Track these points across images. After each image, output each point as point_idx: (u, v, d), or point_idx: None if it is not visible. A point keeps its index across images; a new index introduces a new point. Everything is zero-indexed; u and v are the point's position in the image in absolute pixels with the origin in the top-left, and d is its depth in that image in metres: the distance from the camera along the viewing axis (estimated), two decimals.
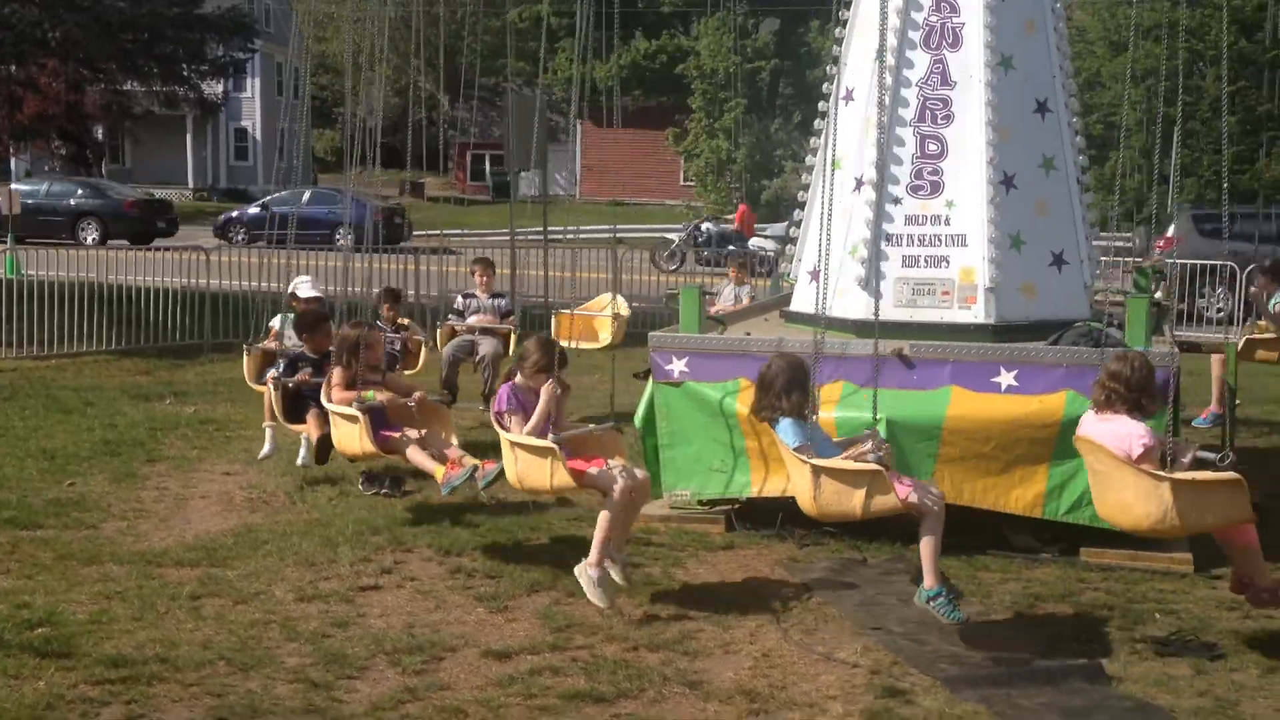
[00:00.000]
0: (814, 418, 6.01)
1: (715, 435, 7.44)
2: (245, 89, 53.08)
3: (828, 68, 8.48)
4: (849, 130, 8.12)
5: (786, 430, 5.85)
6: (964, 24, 7.74)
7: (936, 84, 7.80)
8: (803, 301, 8.38)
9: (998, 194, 7.60)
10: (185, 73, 33.67)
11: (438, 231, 23.77)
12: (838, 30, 8.49)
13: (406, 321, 10.50)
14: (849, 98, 8.19)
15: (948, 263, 7.71)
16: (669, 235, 29.83)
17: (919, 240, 7.77)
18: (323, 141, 62.40)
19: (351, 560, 6.69)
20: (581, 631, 5.70)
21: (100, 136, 40.35)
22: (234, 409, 11.14)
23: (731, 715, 4.83)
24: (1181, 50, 34.01)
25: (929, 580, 5.61)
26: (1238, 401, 9.33)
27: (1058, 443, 6.85)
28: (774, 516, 7.29)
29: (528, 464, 6.08)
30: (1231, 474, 5.15)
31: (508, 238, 19.20)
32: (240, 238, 31.26)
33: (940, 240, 7.72)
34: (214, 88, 39.51)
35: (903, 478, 5.77)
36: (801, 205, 8.69)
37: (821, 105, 8.47)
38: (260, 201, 36.19)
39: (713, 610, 5.98)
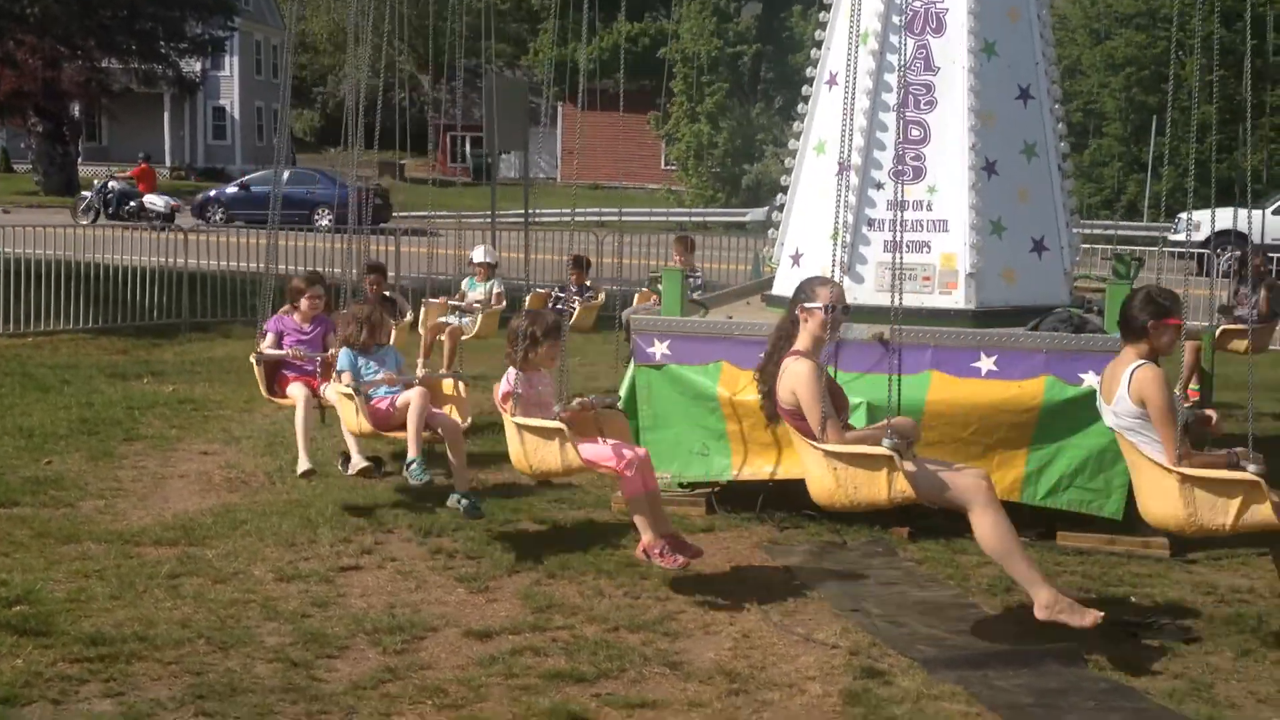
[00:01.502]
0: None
1: (696, 418, 7.46)
2: (224, 67, 52.77)
3: (810, 52, 8.48)
4: (831, 115, 8.13)
5: None
6: (947, 9, 7.75)
7: (919, 69, 7.80)
8: (785, 285, 8.39)
9: (979, 180, 7.63)
10: (164, 50, 33.43)
11: (420, 214, 23.70)
12: (821, 14, 8.49)
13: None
14: (832, 82, 8.19)
15: (929, 248, 7.73)
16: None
17: (901, 225, 7.75)
18: (302, 121, 62.03)
19: (331, 541, 6.69)
20: (562, 612, 5.71)
21: (77, 114, 40.02)
22: (212, 389, 11.11)
23: (711, 695, 4.85)
24: (1162, 39, 34.15)
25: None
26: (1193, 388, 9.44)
27: (1037, 428, 6.89)
28: (754, 499, 7.31)
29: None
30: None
31: (488, 219, 19.16)
32: (218, 217, 31.11)
33: (922, 225, 7.74)
34: (193, 66, 39.21)
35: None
36: (784, 189, 8.69)
37: (804, 89, 8.47)
38: (239, 181, 36.02)
39: (693, 592, 6.00)
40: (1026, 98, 7.92)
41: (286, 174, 33.46)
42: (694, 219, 33.28)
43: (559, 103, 50.38)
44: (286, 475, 8.09)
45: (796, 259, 8.24)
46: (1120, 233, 26.18)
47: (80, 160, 42.10)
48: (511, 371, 6.27)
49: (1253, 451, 5.17)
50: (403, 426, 7.03)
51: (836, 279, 7.74)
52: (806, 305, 5.74)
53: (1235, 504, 5.07)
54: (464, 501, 6.78)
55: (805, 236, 8.21)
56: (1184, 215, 27.03)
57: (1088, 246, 13.92)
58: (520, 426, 6.04)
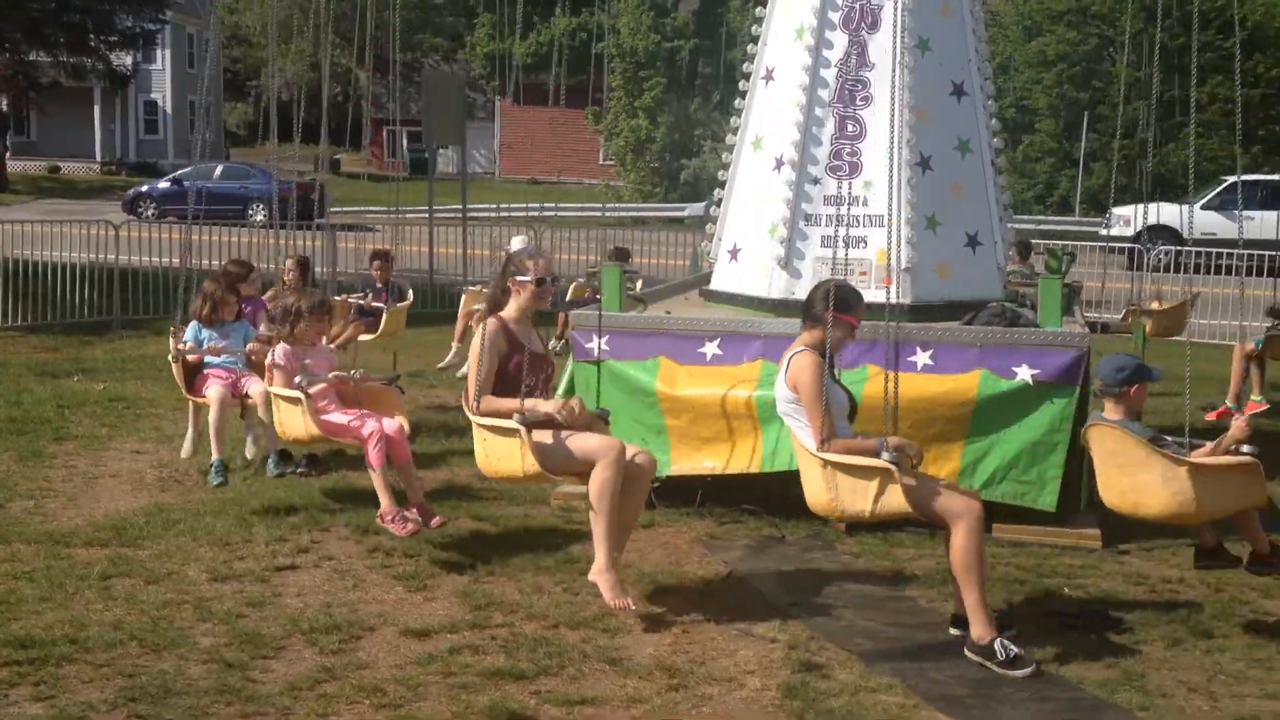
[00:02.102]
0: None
1: (636, 414, 7.45)
2: (155, 61, 51.90)
3: (748, 47, 8.50)
4: (769, 110, 8.17)
5: None
6: (882, 6, 7.80)
7: (856, 65, 7.85)
8: (723, 280, 8.42)
9: (914, 175, 7.69)
10: (93, 43, 32.81)
11: (355, 209, 23.51)
12: (758, 10, 8.51)
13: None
14: (769, 77, 8.22)
15: (865, 243, 7.79)
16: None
17: (837, 220, 7.83)
18: (235, 115, 61.29)
19: (267, 540, 6.61)
20: (501, 609, 5.68)
21: (5, 108, 39.20)
22: (144, 387, 10.94)
23: (651, 691, 4.85)
24: (1093, 36, 34.67)
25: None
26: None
27: (972, 421, 6.96)
28: (693, 494, 7.33)
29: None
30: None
31: (425, 215, 19.04)
32: (150, 213, 30.65)
33: (858, 221, 7.80)
34: (123, 59, 38.57)
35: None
36: (721, 184, 8.71)
37: (741, 85, 8.49)
38: (171, 176, 35.49)
39: (633, 588, 5.99)
40: (960, 94, 7.99)
41: (219, 169, 33.03)
42: (632, 214, 33.28)
43: (497, 97, 50.18)
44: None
45: (734, 254, 8.27)
46: (1052, 227, 26.56)
47: (9, 155, 41.25)
48: (281, 346, 6.95)
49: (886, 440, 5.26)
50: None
51: (775, 273, 7.81)
52: (517, 278, 5.96)
53: (873, 489, 5.21)
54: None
55: (743, 231, 8.23)
56: (1115, 210, 27.48)
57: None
58: (276, 396, 6.84)
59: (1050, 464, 6.85)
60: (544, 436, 5.60)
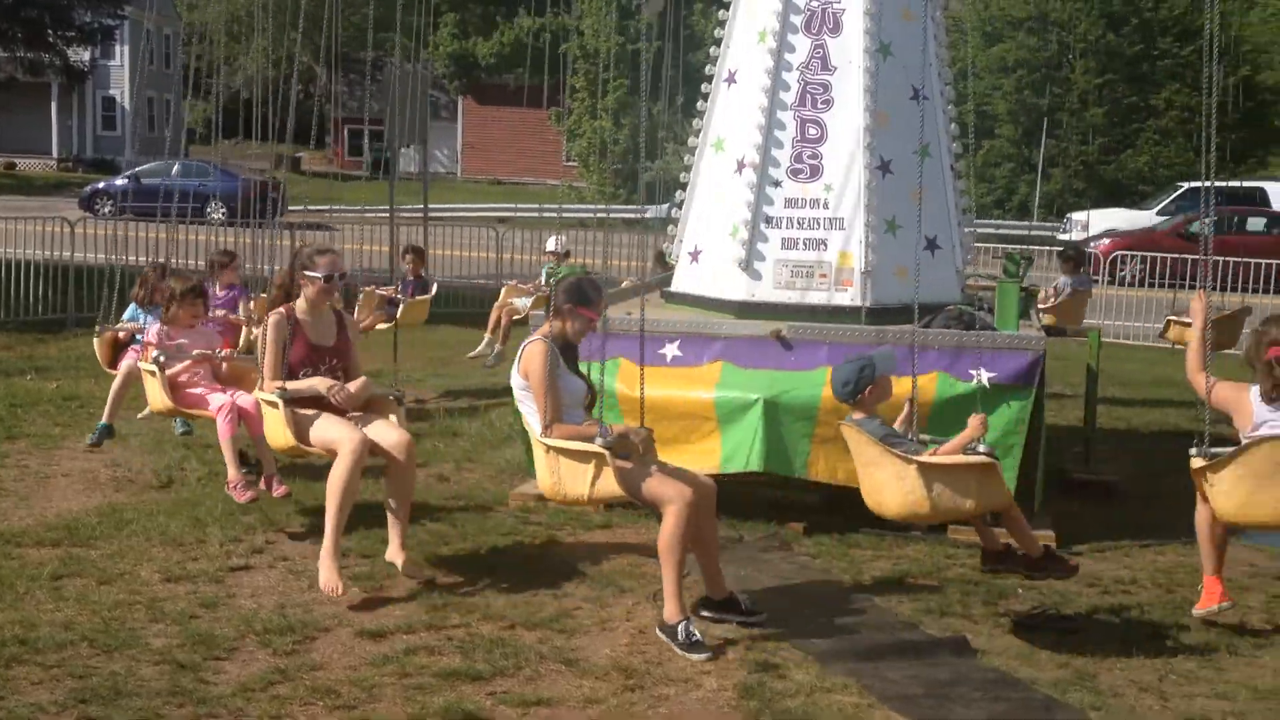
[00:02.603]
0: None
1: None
2: (114, 57, 51.43)
3: (710, 49, 8.52)
4: (731, 112, 8.18)
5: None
6: (844, 10, 7.84)
7: (817, 69, 7.88)
8: (684, 282, 8.43)
9: (875, 179, 7.73)
10: (51, 39, 32.48)
11: (317, 207, 23.36)
12: (720, 13, 8.53)
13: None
14: (731, 80, 8.24)
15: (826, 245, 7.82)
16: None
17: (798, 223, 7.86)
18: (195, 113, 60.77)
19: (221, 540, 6.55)
20: (458, 611, 5.66)
21: None
22: (98, 385, 10.80)
23: (607, 691, 4.85)
24: (1052, 42, 34.96)
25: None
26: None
27: (929, 423, 6.95)
28: None
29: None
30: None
31: (386, 214, 18.93)
32: (107, 210, 30.34)
33: (819, 223, 7.83)
34: (81, 55, 38.17)
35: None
36: (683, 187, 8.72)
37: (704, 87, 8.50)
38: (128, 173, 35.15)
39: (590, 589, 6.00)
40: (920, 98, 8.02)
41: (177, 166, 32.74)
42: (596, 215, 33.24)
43: (459, 97, 50.04)
44: (175, 473, 7.92)
45: (695, 255, 8.28)
46: (1011, 232, 26.77)
47: None
48: (156, 326, 7.53)
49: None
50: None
51: (736, 275, 7.83)
52: (306, 273, 6.25)
53: (590, 473, 5.35)
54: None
55: (704, 233, 8.24)
56: (1072, 215, 27.76)
57: (979, 245, 14.19)
58: (143, 370, 7.30)
59: (1005, 466, 6.87)
60: (308, 412, 6.02)
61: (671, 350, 7.43)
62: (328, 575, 5.72)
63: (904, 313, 7.66)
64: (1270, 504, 5.29)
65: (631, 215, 33.32)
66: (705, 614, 5.63)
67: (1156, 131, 37.02)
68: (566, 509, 7.23)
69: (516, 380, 5.79)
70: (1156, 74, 37.00)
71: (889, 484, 5.27)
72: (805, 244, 7.85)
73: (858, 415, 5.58)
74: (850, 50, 7.84)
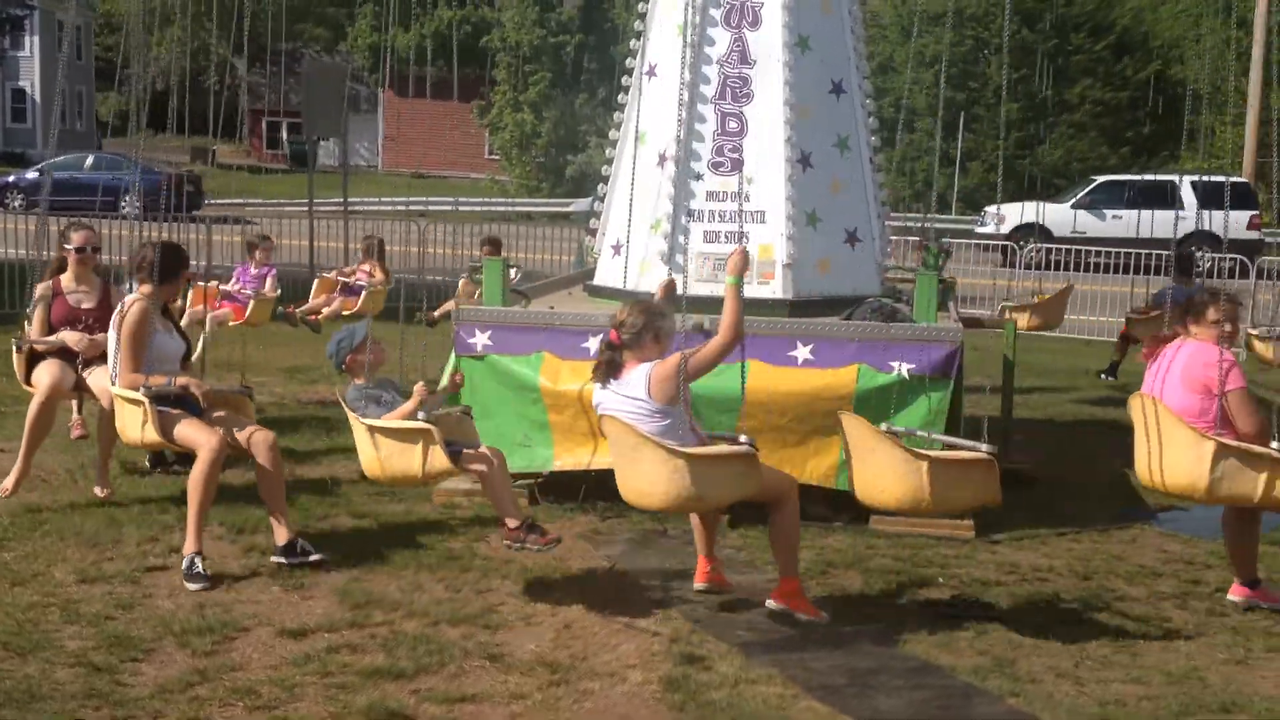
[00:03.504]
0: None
1: (518, 409, 7.42)
2: (23, 47, 50.19)
3: (631, 43, 8.52)
4: (652, 106, 8.19)
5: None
6: (763, 3, 7.88)
7: (736, 62, 7.92)
8: (607, 275, 8.42)
9: (795, 172, 7.78)
10: None
11: (233, 200, 23.03)
12: (640, 5, 8.53)
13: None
14: (652, 73, 8.25)
15: (747, 238, 7.85)
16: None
17: (720, 216, 7.89)
18: (107, 105, 59.55)
19: (138, 540, 6.43)
20: (381, 608, 5.61)
21: None
22: (10, 384, 10.55)
23: (532, 686, 4.84)
24: (969, 37, 35.43)
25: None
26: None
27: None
28: (577, 489, 7.31)
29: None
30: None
31: (305, 208, 18.72)
32: (18, 204, 29.64)
33: (740, 216, 7.84)
34: None
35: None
36: (605, 180, 8.72)
37: (625, 80, 8.50)
38: (39, 166, 34.36)
39: (515, 584, 5.98)
40: (839, 92, 8.10)
41: (90, 159, 32.06)
42: (518, 209, 33.14)
43: (379, 89, 49.57)
44: (90, 473, 7.75)
45: (618, 249, 8.27)
46: (929, 225, 27.12)
47: None
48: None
49: None
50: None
51: (658, 268, 7.83)
52: (65, 246, 7.43)
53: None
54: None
55: (626, 226, 8.23)
56: (990, 209, 28.17)
57: (898, 238, 14.36)
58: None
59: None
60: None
61: (595, 344, 7.40)
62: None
63: (825, 305, 7.74)
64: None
65: (558, 210, 33.28)
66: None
67: (1071, 126, 37.71)
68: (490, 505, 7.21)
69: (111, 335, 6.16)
70: (1070, 69, 37.68)
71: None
72: (727, 237, 7.89)
73: (358, 381, 5.99)
74: (769, 44, 7.88)
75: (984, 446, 5.33)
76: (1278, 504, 5.44)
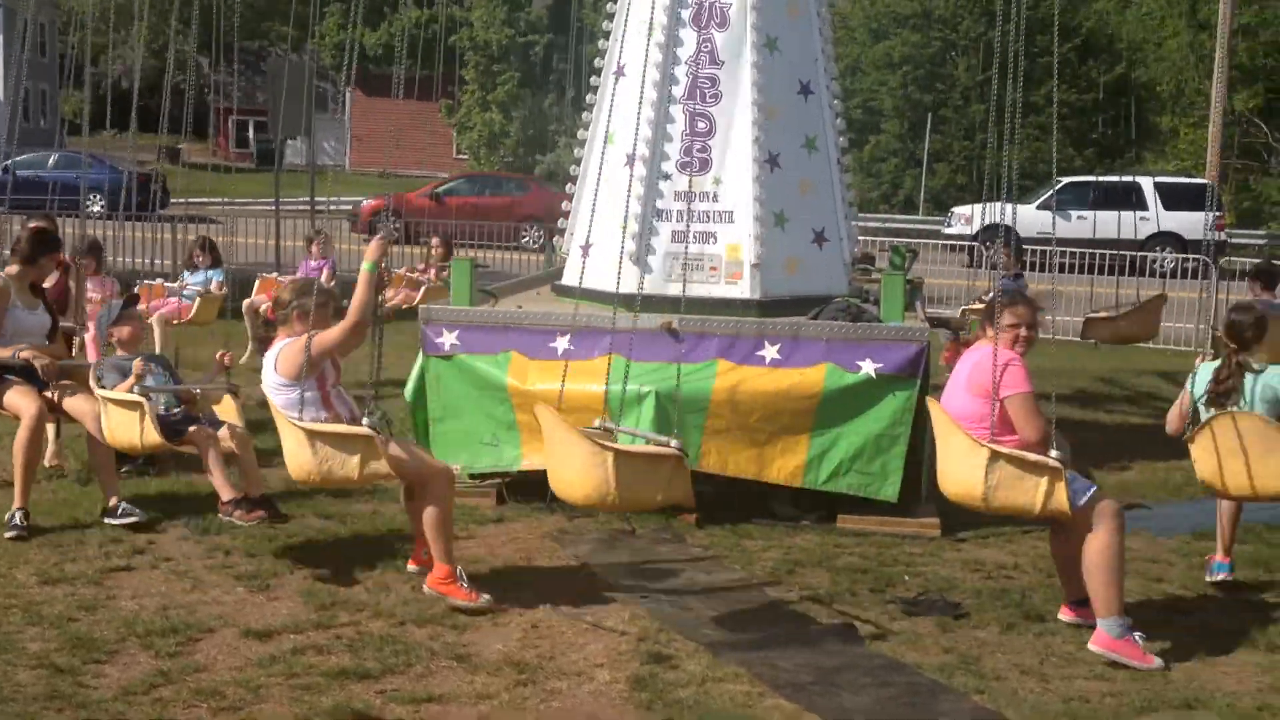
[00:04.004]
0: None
1: (486, 409, 7.41)
2: None
3: (600, 43, 8.51)
4: (621, 106, 8.17)
5: None
6: (730, 4, 7.88)
7: (705, 63, 7.92)
8: (574, 275, 8.40)
9: (763, 172, 7.79)
10: None
11: (200, 199, 22.85)
12: (609, 5, 8.53)
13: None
14: (621, 73, 8.24)
15: (715, 239, 7.87)
16: None
17: (688, 216, 7.88)
18: (71, 103, 59.02)
19: (101, 541, 6.38)
20: (346, 609, 5.59)
21: None
22: None
23: (499, 686, 4.83)
24: (937, 39, 35.59)
25: None
26: None
27: (817, 414, 7.08)
28: (544, 489, 7.29)
29: None
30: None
31: (272, 207, 18.61)
32: None
33: (708, 216, 7.87)
34: None
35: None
36: (574, 180, 8.70)
37: (593, 80, 8.50)
38: (2, 165, 33.99)
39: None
40: (807, 93, 8.12)
41: (54, 156, 31.79)
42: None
43: (347, 88, 49.34)
44: (53, 473, 7.68)
45: (586, 249, 8.25)
46: (898, 226, 27.25)
47: None
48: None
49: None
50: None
51: (627, 268, 7.83)
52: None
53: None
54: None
55: (595, 226, 8.23)
56: (956, 209, 28.33)
57: (866, 238, 14.42)
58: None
59: (892, 455, 7.02)
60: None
61: (563, 344, 7.41)
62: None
63: (793, 305, 7.75)
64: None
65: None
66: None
67: (1036, 127, 37.93)
68: (459, 504, 7.19)
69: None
70: (1036, 71, 37.91)
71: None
72: (695, 237, 7.89)
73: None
74: (737, 44, 7.89)
75: (673, 443, 5.22)
76: (1060, 514, 5.24)
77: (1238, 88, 30.01)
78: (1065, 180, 30.08)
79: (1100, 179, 29.33)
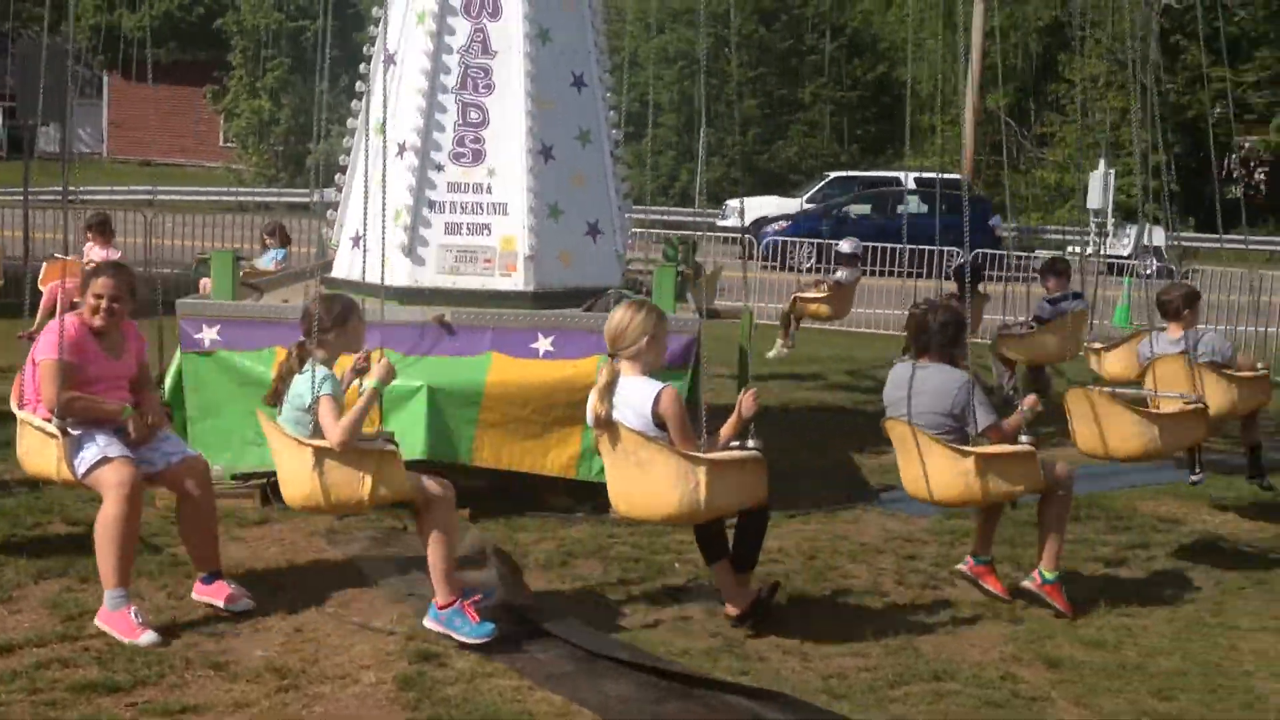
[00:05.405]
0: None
1: (250, 406, 7.13)
2: None
3: (370, 29, 8.33)
4: (391, 95, 8.02)
5: None
6: None
7: (478, 53, 7.86)
8: (345, 268, 8.21)
9: (537, 164, 7.78)
10: None
11: None
12: None
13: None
14: (391, 61, 8.08)
15: (489, 230, 7.81)
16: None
17: (461, 208, 7.82)
18: None
19: None
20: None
21: None
22: None
23: (259, 694, 4.66)
24: (709, 35, 36.23)
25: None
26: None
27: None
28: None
29: None
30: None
31: (20, 197, 17.60)
32: None
33: (482, 208, 7.82)
34: None
35: None
36: (344, 170, 8.50)
37: (363, 68, 8.32)
38: None
39: (246, 588, 5.73)
40: (580, 85, 8.14)
41: None
42: (256, 199, 31.98)
43: (105, 72, 47.03)
44: None
45: (357, 241, 8.08)
46: (675, 218, 27.67)
47: None
48: None
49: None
50: None
51: (399, 261, 7.70)
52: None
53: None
54: None
55: (365, 218, 8.05)
56: (730, 202, 28.96)
57: (641, 231, 14.54)
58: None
59: None
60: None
61: None
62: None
63: (567, 297, 7.76)
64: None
65: (298, 200, 32.30)
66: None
67: (805, 123, 39.12)
68: (221, 506, 6.92)
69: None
70: (804, 68, 39.10)
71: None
72: (469, 229, 7.83)
73: None
74: (510, 35, 7.86)
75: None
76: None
77: (991, 87, 31.56)
78: (833, 174, 31.14)
79: (865, 174, 30.46)
